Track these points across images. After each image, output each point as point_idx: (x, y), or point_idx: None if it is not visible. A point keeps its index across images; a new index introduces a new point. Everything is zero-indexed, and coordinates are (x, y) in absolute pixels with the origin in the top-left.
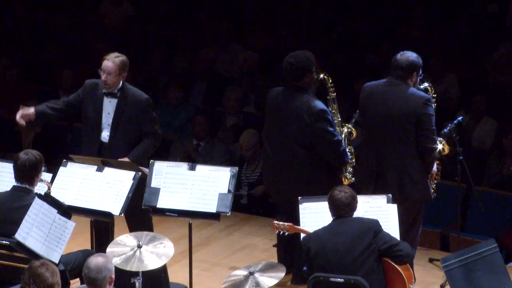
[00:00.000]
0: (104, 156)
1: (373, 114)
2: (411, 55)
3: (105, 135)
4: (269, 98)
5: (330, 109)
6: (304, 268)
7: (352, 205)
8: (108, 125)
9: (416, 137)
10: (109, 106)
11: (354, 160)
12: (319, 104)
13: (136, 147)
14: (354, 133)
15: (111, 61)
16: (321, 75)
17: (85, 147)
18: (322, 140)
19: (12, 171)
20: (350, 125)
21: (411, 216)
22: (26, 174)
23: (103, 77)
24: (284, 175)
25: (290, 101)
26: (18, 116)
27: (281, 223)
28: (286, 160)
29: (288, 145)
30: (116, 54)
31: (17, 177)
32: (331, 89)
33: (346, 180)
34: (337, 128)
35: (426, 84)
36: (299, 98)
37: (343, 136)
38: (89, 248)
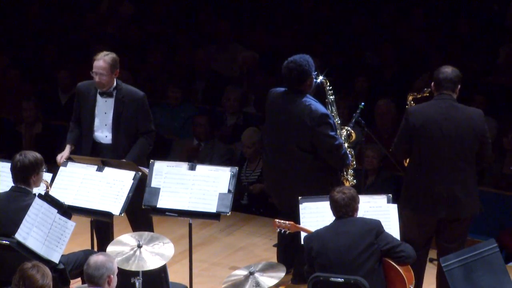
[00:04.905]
0: (107, 157)
1: (438, 139)
2: (453, 68)
3: (103, 135)
4: (269, 100)
5: (329, 111)
6: (305, 267)
7: (350, 206)
8: (106, 125)
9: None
10: (104, 106)
11: (354, 162)
12: (321, 108)
13: (132, 147)
14: (353, 135)
15: (102, 60)
16: (320, 78)
17: (82, 147)
18: (323, 144)
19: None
20: (349, 128)
21: (468, 228)
22: (19, 175)
23: (97, 78)
24: (285, 178)
25: (291, 105)
26: (59, 158)
27: (282, 221)
28: (287, 164)
29: (289, 149)
30: (105, 52)
31: (13, 178)
32: (330, 92)
33: (347, 182)
34: (337, 130)
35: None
36: (300, 101)
37: (342, 138)
38: (89, 248)
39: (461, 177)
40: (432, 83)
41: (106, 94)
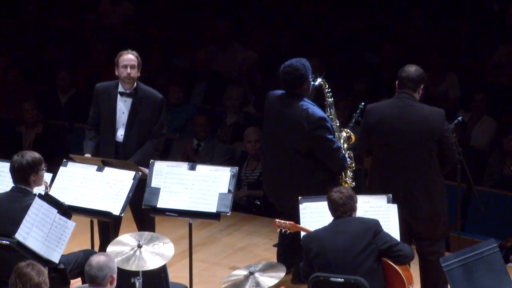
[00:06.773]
0: (120, 154)
1: (392, 138)
2: (417, 67)
3: (120, 134)
4: (266, 103)
5: (328, 114)
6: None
7: (348, 205)
8: (123, 124)
9: (437, 153)
10: (123, 105)
11: (353, 164)
12: (318, 112)
13: (138, 150)
14: (353, 137)
15: (130, 54)
16: (318, 81)
17: (102, 147)
18: (321, 148)
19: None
20: (348, 130)
21: (445, 228)
22: (18, 176)
23: (128, 70)
24: (284, 181)
25: (288, 109)
26: None
27: (282, 221)
28: (285, 167)
29: (286, 152)
30: (128, 50)
31: (13, 179)
32: (329, 94)
33: (346, 184)
34: (336, 133)
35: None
36: (298, 105)
37: (341, 141)
38: (89, 248)
39: (418, 177)
40: (396, 82)
41: (126, 94)
